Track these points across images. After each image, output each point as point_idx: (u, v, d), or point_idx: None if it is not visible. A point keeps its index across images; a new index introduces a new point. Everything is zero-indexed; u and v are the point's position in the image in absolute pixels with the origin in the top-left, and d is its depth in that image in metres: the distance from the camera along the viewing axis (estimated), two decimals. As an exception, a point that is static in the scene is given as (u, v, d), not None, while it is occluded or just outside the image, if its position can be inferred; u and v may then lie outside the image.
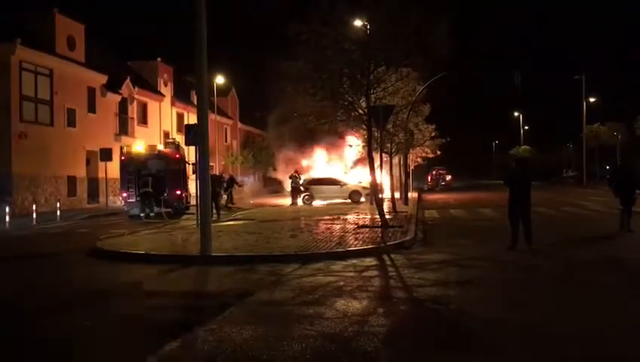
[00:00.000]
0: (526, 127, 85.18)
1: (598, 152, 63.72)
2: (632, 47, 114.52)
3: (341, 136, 30.60)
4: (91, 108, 30.74)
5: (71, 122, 28.84)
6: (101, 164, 27.71)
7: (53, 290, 8.74)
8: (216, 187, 19.93)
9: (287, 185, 31.77)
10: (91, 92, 30.81)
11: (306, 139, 37.05)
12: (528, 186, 11.57)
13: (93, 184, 30.12)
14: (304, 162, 38.09)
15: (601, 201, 26.41)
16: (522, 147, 77.22)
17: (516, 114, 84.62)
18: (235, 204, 27.67)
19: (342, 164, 36.93)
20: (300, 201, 29.36)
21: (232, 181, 28.77)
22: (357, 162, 34.57)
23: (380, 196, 16.93)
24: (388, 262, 10.26)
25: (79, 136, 29.08)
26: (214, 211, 19.07)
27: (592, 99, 55.35)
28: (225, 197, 26.58)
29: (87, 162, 29.86)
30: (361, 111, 15.72)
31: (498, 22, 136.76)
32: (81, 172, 29.41)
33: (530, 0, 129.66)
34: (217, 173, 30.78)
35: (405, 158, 28.70)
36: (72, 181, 28.63)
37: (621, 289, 7.87)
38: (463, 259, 10.32)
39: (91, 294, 8.38)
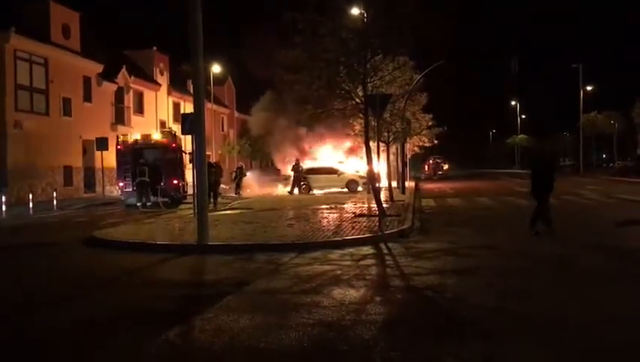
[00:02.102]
0: (523, 116, 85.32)
1: (595, 141, 63.81)
2: (630, 43, 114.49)
3: (337, 126, 30.51)
4: (87, 97, 30.60)
5: (67, 111, 28.73)
6: (97, 154, 27.69)
7: (50, 279, 8.73)
8: (212, 175, 19.88)
9: (288, 173, 31.79)
10: (87, 81, 30.67)
11: (304, 128, 36.89)
12: (551, 174, 11.78)
13: (90, 173, 30.07)
14: (303, 149, 37.97)
15: (599, 190, 26.49)
16: (519, 136, 77.35)
17: (513, 103, 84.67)
18: (241, 194, 27.66)
19: (337, 153, 36.82)
20: (296, 191, 29.36)
21: (240, 171, 28.82)
22: (351, 150, 34.49)
23: (377, 185, 16.91)
24: (385, 251, 10.26)
25: (75, 126, 28.96)
26: (211, 200, 19.04)
27: (589, 88, 55.36)
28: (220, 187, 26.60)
29: (84, 152, 29.78)
30: (358, 100, 15.68)
31: (497, 20, 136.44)
32: (77, 161, 29.33)
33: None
34: (214, 161, 30.75)
35: (402, 147, 28.68)
36: (68, 170, 28.57)
37: (623, 277, 7.84)
38: (460, 248, 10.32)
39: (88, 283, 8.37)
